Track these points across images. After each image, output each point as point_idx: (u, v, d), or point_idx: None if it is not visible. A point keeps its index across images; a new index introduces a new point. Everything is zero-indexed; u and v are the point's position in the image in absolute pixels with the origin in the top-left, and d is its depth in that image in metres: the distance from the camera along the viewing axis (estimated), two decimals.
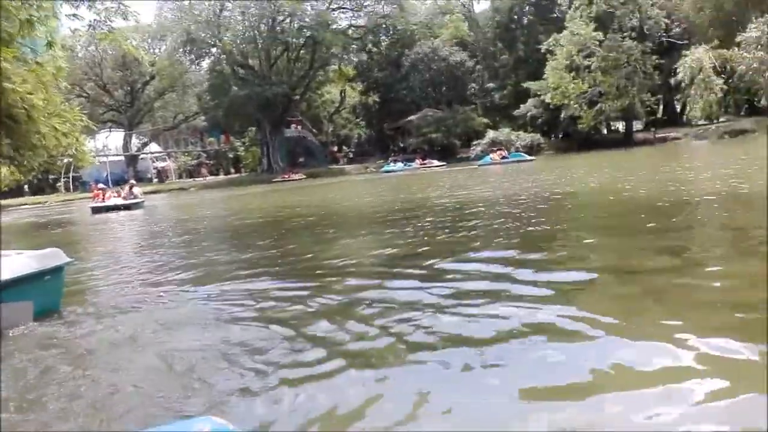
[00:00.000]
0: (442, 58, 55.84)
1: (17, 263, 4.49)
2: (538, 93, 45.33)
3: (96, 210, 23.71)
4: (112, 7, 15.23)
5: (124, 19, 15.70)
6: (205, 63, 57.10)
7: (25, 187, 48.07)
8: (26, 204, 42.64)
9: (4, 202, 36.80)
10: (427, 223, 9.15)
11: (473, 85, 58.47)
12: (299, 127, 57.38)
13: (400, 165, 47.17)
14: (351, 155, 61.19)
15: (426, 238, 7.51)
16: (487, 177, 22.76)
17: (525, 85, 47.68)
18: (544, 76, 43.49)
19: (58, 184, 51.87)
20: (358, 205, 16.20)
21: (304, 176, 46.10)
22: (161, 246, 10.41)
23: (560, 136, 50.67)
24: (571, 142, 45.77)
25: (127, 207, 23.82)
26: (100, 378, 3.23)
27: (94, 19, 15.42)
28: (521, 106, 49.04)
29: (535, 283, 4.38)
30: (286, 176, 46.73)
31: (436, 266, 5.40)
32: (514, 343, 3.19)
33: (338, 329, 3.76)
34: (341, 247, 7.78)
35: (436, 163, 45.95)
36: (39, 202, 43.61)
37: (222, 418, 1.10)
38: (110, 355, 3.67)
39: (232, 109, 51.66)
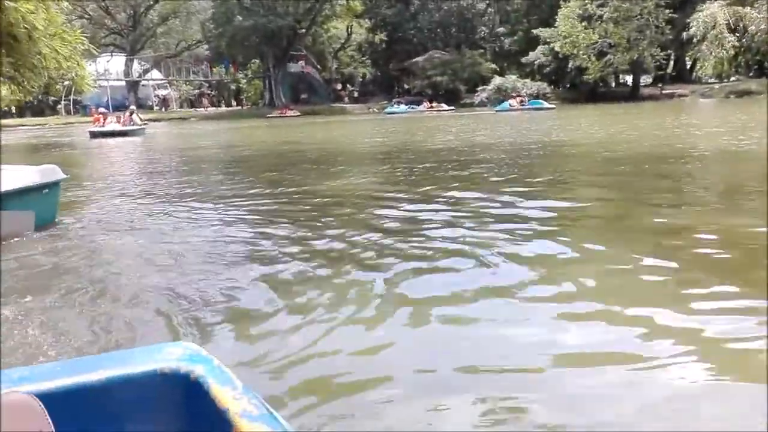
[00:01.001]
0: None
1: (20, 176, 4.83)
2: (548, 41, 44.58)
3: (94, 134, 23.80)
4: None
5: None
6: None
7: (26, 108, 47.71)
8: (26, 125, 42.48)
9: (4, 121, 36.68)
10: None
11: (483, 28, 57.33)
12: (303, 63, 56.54)
13: (403, 107, 46.81)
14: (354, 95, 60.55)
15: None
16: (504, 123, 22.56)
17: (535, 32, 46.79)
18: (556, 23, 42.69)
19: (59, 106, 51.43)
20: (365, 144, 16.33)
21: (299, 113, 45.60)
22: (156, 172, 10.74)
23: (567, 86, 50.13)
24: (577, 93, 45.37)
25: (125, 133, 23.80)
26: (87, 289, 3.38)
27: None
28: (530, 53, 48.31)
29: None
30: (282, 112, 46.36)
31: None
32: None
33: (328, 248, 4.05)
34: (339, 179, 8.00)
35: (445, 107, 45.55)
36: (39, 124, 43.43)
37: (195, 344, 1.08)
38: (95, 267, 3.92)
39: (235, 40, 50.78)
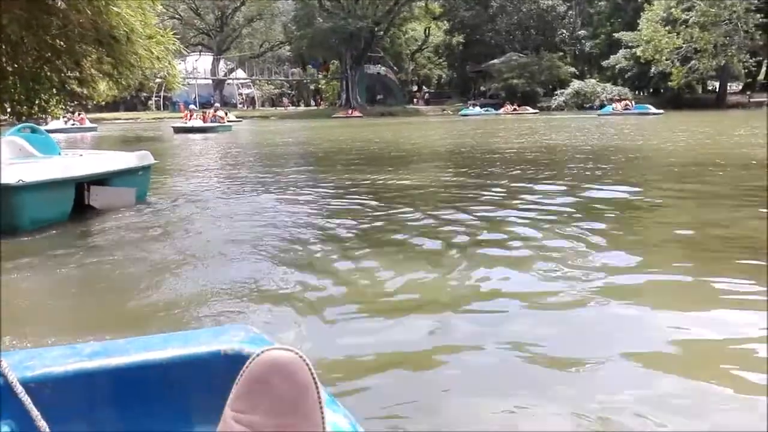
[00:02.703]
0: (533, 1, 54.00)
1: (122, 159, 5.96)
2: (630, 45, 43.39)
3: (177, 130, 24.74)
4: None
5: None
6: None
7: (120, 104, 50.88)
8: (120, 118, 45.46)
9: (100, 114, 39.44)
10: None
11: (563, 31, 56.37)
12: (380, 64, 57.37)
13: (477, 109, 46.76)
14: (428, 96, 60.86)
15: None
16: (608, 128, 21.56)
17: (617, 35, 45.64)
18: (639, 27, 41.48)
19: (150, 102, 54.66)
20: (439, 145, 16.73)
21: (362, 115, 45.62)
22: (235, 163, 11.72)
23: (649, 92, 48.60)
24: (660, 99, 43.90)
25: (206, 129, 24.49)
26: (166, 260, 3.98)
27: None
28: (611, 57, 47.16)
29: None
30: (346, 113, 46.82)
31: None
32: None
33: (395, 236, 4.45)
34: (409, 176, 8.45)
35: (530, 110, 45.12)
36: (131, 118, 46.44)
37: (257, 328, 1.10)
38: (178, 240, 4.68)
39: (315, 41, 52.22)
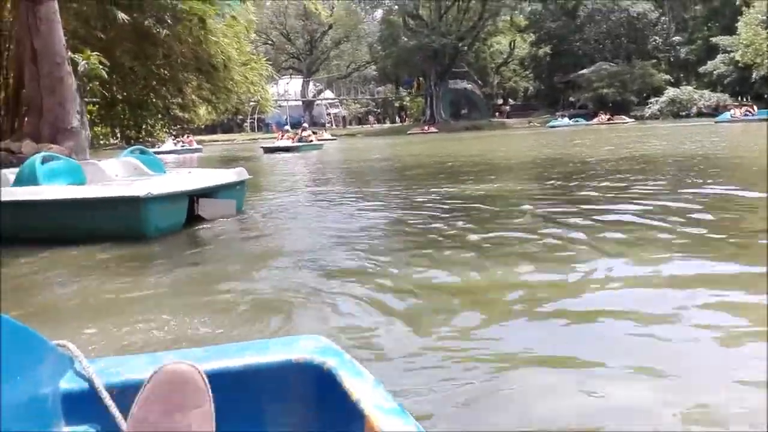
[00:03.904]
0: (622, 9, 52.46)
1: (225, 174, 6.69)
2: (729, 49, 41.24)
3: (266, 150, 25.77)
4: None
5: None
6: (378, 13, 59.01)
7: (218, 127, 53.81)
8: (218, 140, 48.06)
9: (200, 137, 41.90)
10: None
11: (656, 38, 54.29)
12: (465, 80, 57.45)
13: (566, 120, 45.80)
14: (509, 109, 60.18)
15: None
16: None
17: (714, 40, 43.51)
18: (737, 31, 39.37)
19: (245, 124, 57.43)
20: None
21: (437, 131, 45.23)
22: (322, 179, 12.34)
23: (750, 98, 45.86)
24: (762, 105, 41.30)
25: (290, 149, 25.18)
26: (251, 272, 4.28)
27: None
28: (708, 63, 44.98)
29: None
30: (423, 129, 46.82)
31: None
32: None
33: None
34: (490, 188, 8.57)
35: (626, 119, 43.77)
36: (228, 140, 49.01)
37: (329, 339, 1.12)
38: (271, 245, 5.23)
39: (400, 59, 53.14)
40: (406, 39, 52.04)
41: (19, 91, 9.40)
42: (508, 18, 55.49)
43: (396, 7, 54.29)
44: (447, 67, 53.57)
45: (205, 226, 6.01)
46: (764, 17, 37.44)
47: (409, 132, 46.46)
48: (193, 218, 6.03)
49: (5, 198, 5.32)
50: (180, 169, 7.53)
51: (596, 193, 7.21)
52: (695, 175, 8.95)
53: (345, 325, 2.89)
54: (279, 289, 3.60)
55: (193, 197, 6.01)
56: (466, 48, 54.05)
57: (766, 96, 42.16)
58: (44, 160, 5.82)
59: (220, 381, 0.96)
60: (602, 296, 3.20)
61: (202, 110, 20.10)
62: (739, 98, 45.69)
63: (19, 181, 5.64)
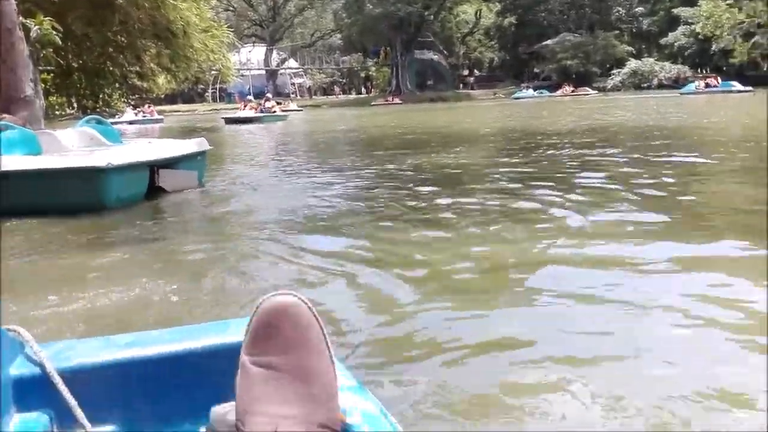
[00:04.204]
0: None
1: (184, 146, 6.57)
2: (690, 21, 41.80)
3: (228, 121, 25.35)
4: None
5: None
6: None
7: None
8: (178, 111, 46.97)
9: (160, 107, 40.92)
10: None
11: (619, 9, 54.67)
12: (430, 49, 57.10)
13: (531, 92, 46.06)
14: (473, 80, 60.18)
15: None
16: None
17: (676, 11, 44.01)
18: (698, 3, 39.87)
19: (206, 94, 56.09)
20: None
21: (401, 102, 45.18)
22: (284, 150, 12.28)
23: (710, 70, 46.76)
24: (723, 77, 42.21)
25: (253, 120, 24.71)
26: (223, 234, 4.37)
27: None
28: (670, 34, 45.55)
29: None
30: (387, 100, 46.66)
31: None
32: None
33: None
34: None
35: (590, 91, 44.08)
36: (189, 110, 47.91)
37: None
38: (232, 216, 5.25)
39: (366, 28, 52.43)
40: (371, 6, 51.27)
41: None
42: None
43: None
44: (413, 36, 53.09)
45: (165, 197, 5.95)
46: None
47: (372, 103, 46.09)
48: (154, 189, 5.93)
49: None
50: (138, 139, 7.34)
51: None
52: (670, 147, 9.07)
53: (307, 298, 2.84)
54: (240, 260, 3.61)
55: (153, 168, 5.90)
56: (432, 17, 53.56)
57: (724, 68, 43.02)
58: None
59: (177, 363, 0.95)
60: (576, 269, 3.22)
61: (161, 79, 19.53)
62: (699, 70, 46.55)
63: None
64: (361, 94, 61.62)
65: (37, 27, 8.71)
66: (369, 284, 3.04)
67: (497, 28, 57.92)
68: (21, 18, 7.77)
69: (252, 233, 4.36)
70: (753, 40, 38.20)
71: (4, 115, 6.83)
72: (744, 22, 37.89)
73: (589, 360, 2.10)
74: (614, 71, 48.33)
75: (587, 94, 42.46)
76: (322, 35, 62.45)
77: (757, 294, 2.64)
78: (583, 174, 6.40)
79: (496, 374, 2.02)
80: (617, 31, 52.89)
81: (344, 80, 65.37)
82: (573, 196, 5.02)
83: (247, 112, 26.44)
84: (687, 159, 7.39)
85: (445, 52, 57.68)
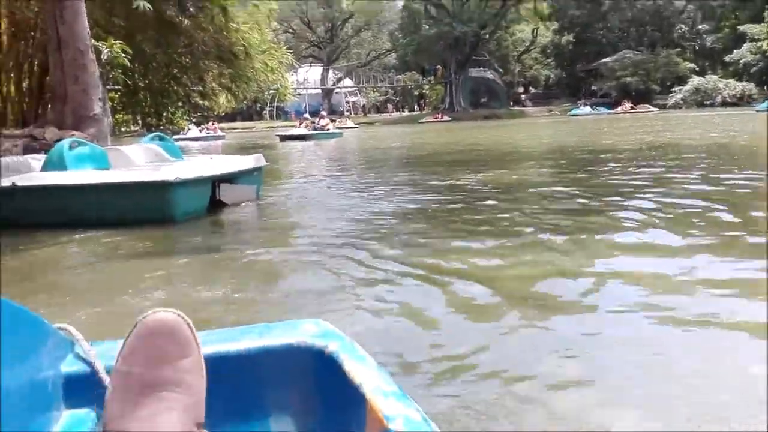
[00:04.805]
0: None
1: (243, 161, 6.83)
2: (756, 38, 40.38)
3: (282, 138, 26.02)
4: None
5: None
6: (400, 1, 58.60)
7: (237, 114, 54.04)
8: (237, 128, 48.36)
9: (220, 124, 42.20)
10: None
11: (682, 26, 53.34)
12: (485, 67, 56.98)
13: (588, 109, 45.33)
14: (525, 98, 59.67)
15: None
16: None
17: (742, 28, 42.61)
18: (766, 19, 38.51)
19: (264, 112, 57.58)
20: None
21: (450, 119, 45.42)
22: (338, 166, 12.53)
23: None
24: None
25: (305, 137, 25.23)
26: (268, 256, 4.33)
27: None
28: (735, 51, 44.09)
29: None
30: (436, 117, 47.03)
31: None
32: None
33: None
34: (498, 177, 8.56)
35: (651, 108, 43.17)
36: (247, 127, 49.29)
37: (329, 323, 1.10)
38: (282, 233, 5.35)
39: (421, 47, 52.85)
40: (427, 27, 51.71)
41: (43, 78, 9.52)
42: (531, 5, 54.79)
43: None
44: (468, 55, 53.15)
45: (225, 210, 6.19)
46: None
47: (420, 120, 46.29)
48: (214, 203, 6.15)
49: (38, 183, 5.50)
50: (199, 155, 7.69)
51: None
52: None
53: (355, 307, 2.89)
54: (297, 270, 3.74)
55: (215, 182, 6.12)
56: (487, 36, 53.57)
57: None
58: (71, 146, 5.93)
59: (220, 365, 0.95)
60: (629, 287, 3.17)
61: (222, 98, 20.17)
62: (765, 87, 44.81)
63: (48, 167, 5.77)
64: (413, 111, 61.96)
65: (107, 50, 9.18)
66: (416, 300, 3.03)
67: (554, 46, 57.39)
68: (93, 41, 8.22)
69: (310, 243, 4.47)
70: None
71: (74, 133, 7.21)
72: None
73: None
74: (675, 88, 47.05)
75: (648, 111, 41.42)
76: (377, 55, 63.32)
77: None
78: (653, 190, 6.30)
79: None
80: (679, 49, 51.57)
81: (398, 98, 65.91)
82: (638, 215, 4.90)
83: (302, 130, 27.02)
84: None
85: (501, 70, 57.45)
